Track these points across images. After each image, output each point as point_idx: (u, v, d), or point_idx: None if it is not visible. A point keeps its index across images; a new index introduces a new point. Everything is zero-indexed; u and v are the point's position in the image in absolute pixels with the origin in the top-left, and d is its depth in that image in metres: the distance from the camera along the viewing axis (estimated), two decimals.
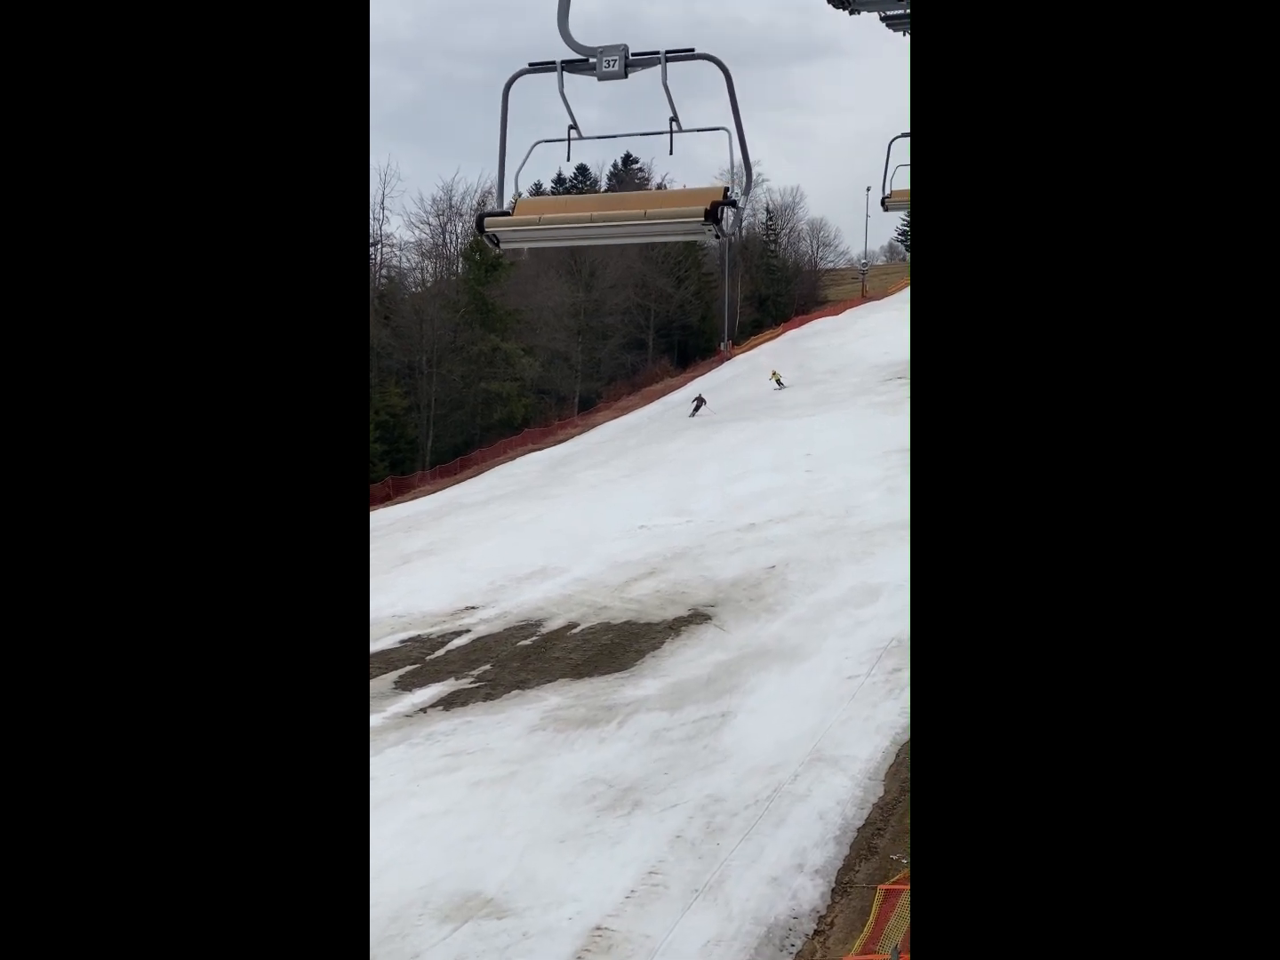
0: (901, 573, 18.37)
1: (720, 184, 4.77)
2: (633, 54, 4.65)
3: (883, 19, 10.16)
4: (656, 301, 64.77)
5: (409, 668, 20.49)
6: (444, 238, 59.21)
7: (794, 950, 11.41)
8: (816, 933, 11.67)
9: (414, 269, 59.54)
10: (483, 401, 52.74)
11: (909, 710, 13.76)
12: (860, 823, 13.58)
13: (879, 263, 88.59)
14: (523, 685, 19.09)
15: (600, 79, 4.68)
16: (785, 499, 29.59)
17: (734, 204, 4.68)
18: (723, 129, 4.77)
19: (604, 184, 75.06)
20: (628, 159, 75.62)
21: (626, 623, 21.78)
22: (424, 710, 18.37)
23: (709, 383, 54.27)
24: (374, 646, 20.99)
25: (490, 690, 19.01)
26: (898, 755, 15.00)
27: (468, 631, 22.36)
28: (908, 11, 9.75)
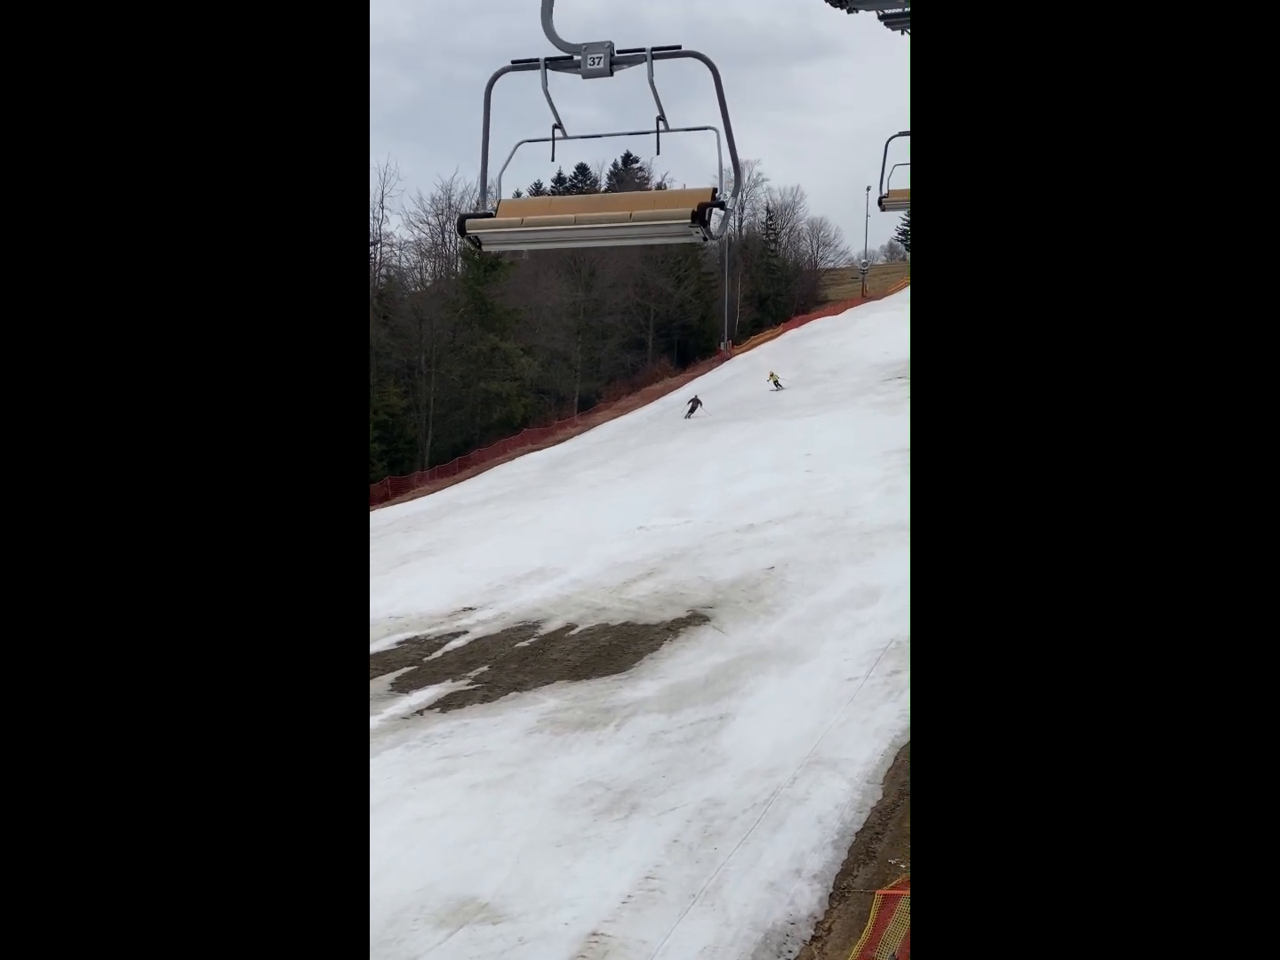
0: (900, 574, 18.45)
1: (708, 185, 4.66)
2: (618, 51, 4.56)
3: (880, 18, 10.09)
4: (656, 301, 64.68)
5: (406, 669, 20.40)
6: (443, 237, 59.12)
7: (791, 956, 11.34)
8: (814, 938, 11.60)
9: (413, 268, 59.52)
10: (482, 401, 52.65)
11: (908, 713, 13.74)
12: (859, 827, 13.51)
13: (879, 262, 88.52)
14: (520, 687, 19.01)
15: (585, 77, 4.58)
16: (785, 499, 29.51)
17: (722, 205, 4.58)
18: (711, 128, 4.67)
19: (604, 183, 74.99)
20: (627, 158, 75.58)
21: (625, 624, 21.70)
22: (421, 712, 18.29)
23: (709, 382, 54.23)
24: (371, 648, 20.93)
25: (487, 692, 18.93)
26: (896, 758, 14.93)
27: (465, 633, 22.27)
28: (905, 10, 9.68)
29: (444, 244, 58.66)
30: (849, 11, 10.22)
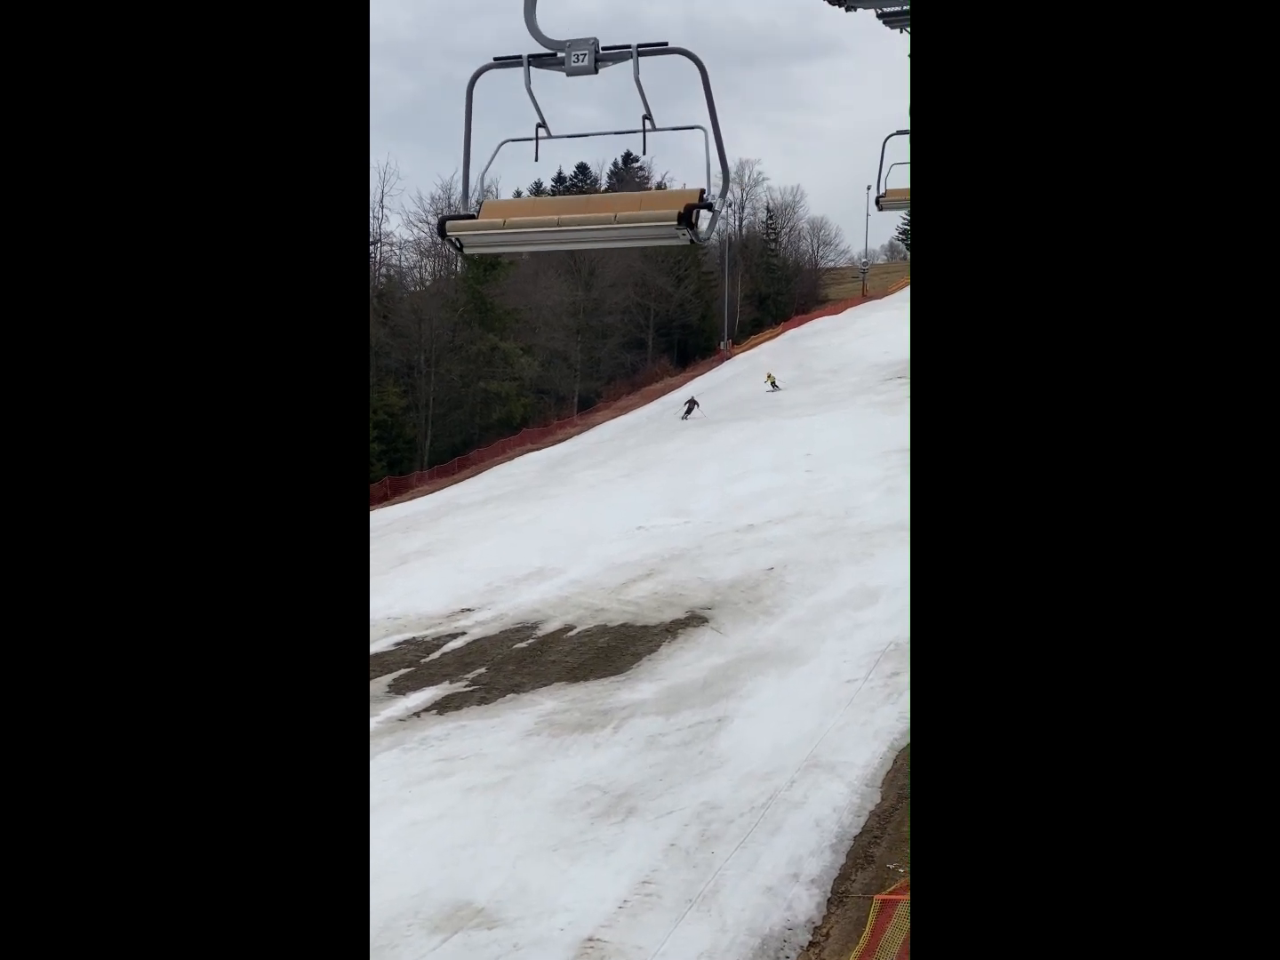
0: (899, 575, 18.37)
1: (698, 186, 4.55)
2: (603, 48, 4.45)
3: (879, 16, 10.02)
4: (656, 300, 64.58)
5: (403, 670, 20.31)
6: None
7: None
8: (811, 944, 11.50)
9: (413, 268, 59.37)
10: (481, 401, 52.55)
11: (908, 716, 13.65)
12: (857, 830, 13.42)
13: (879, 261, 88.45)
14: (518, 689, 18.92)
15: (569, 74, 4.47)
16: (784, 499, 29.43)
17: (709, 206, 4.47)
18: (699, 127, 4.56)
19: (604, 182, 74.86)
20: (628, 157, 75.36)
21: (623, 625, 21.61)
22: (418, 714, 18.20)
23: (709, 382, 54.16)
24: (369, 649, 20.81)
25: (485, 694, 18.84)
26: (895, 761, 14.84)
27: (463, 634, 22.18)
28: (904, 8, 9.60)
29: (444, 243, 58.35)
30: (847, 10, 10.15)
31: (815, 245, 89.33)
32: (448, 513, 35.11)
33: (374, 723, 17.56)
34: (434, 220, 56.24)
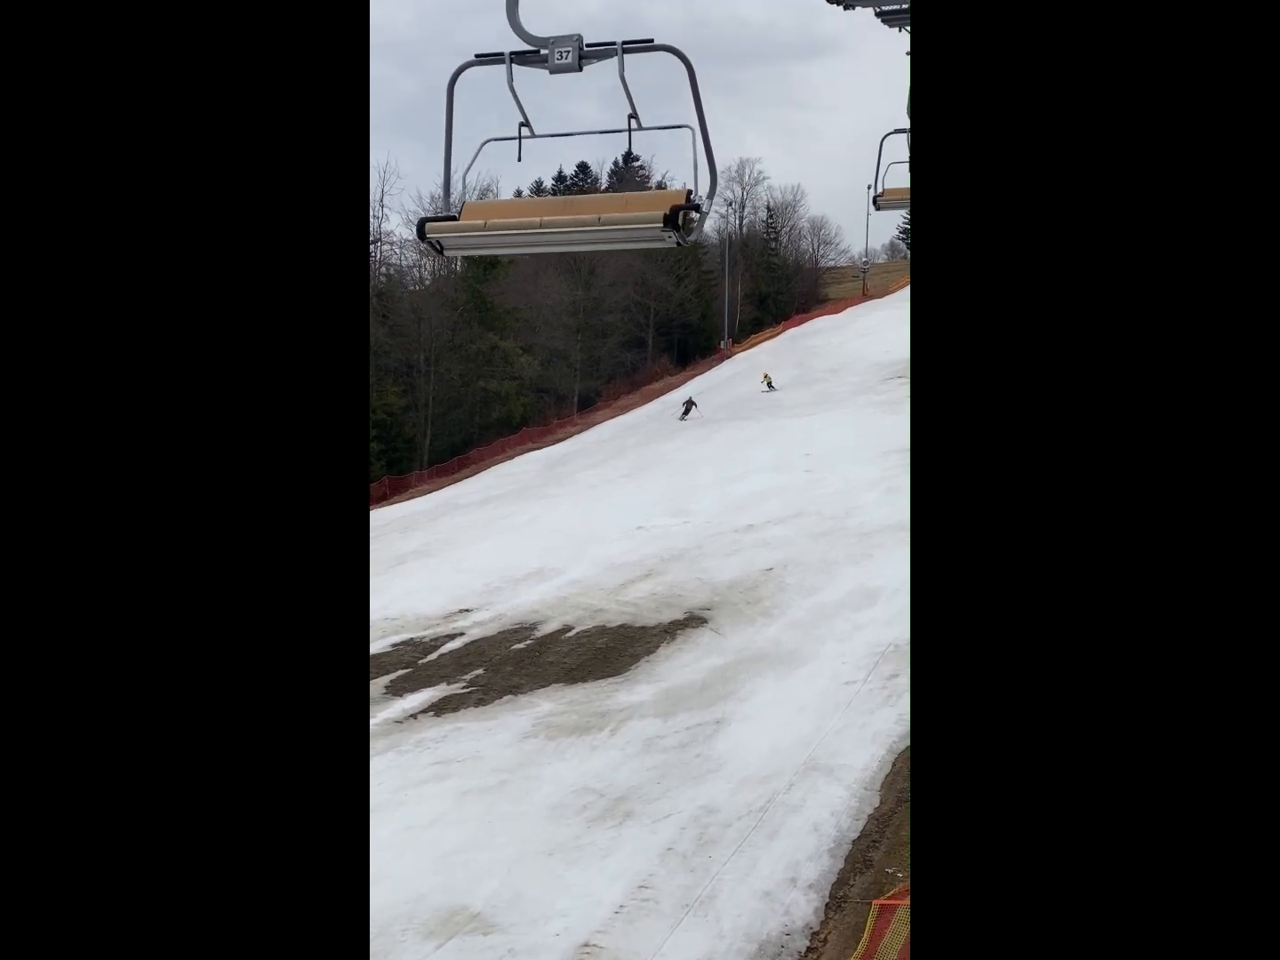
0: (899, 575, 18.28)
1: (683, 186, 4.44)
2: (587, 45, 4.34)
3: (878, 14, 9.92)
4: (656, 300, 64.47)
5: (401, 672, 20.23)
6: None
7: None
8: (809, 950, 11.42)
9: (413, 267, 59.22)
10: (481, 400, 52.44)
11: (906, 718, 13.51)
12: (855, 835, 13.33)
13: (880, 261, 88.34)
14: (515, 690, 18.83)
15: (552, 72, 4.36)
16: (784, 499, 29.34)
17: (696, 208, 4.36)
18: (686, 126, 4.44)
19: (604, 181, 74.74)
20: (628, 156, 75.18)
21: (622, 626, 21.52)
22: (414, 716, 18.11)
23: (709, 381, 54.09)
24: None
25: (482, 695, 18.75)
26: (894, 765, 14.75)
27: (461, 635, 22.10)
28: (903, 6, 9.51)
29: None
30: (846, 8, 10.07)
31: (816, 244, 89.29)
32: (446, 512, 35.01)
33: (371, 725, 17.48)
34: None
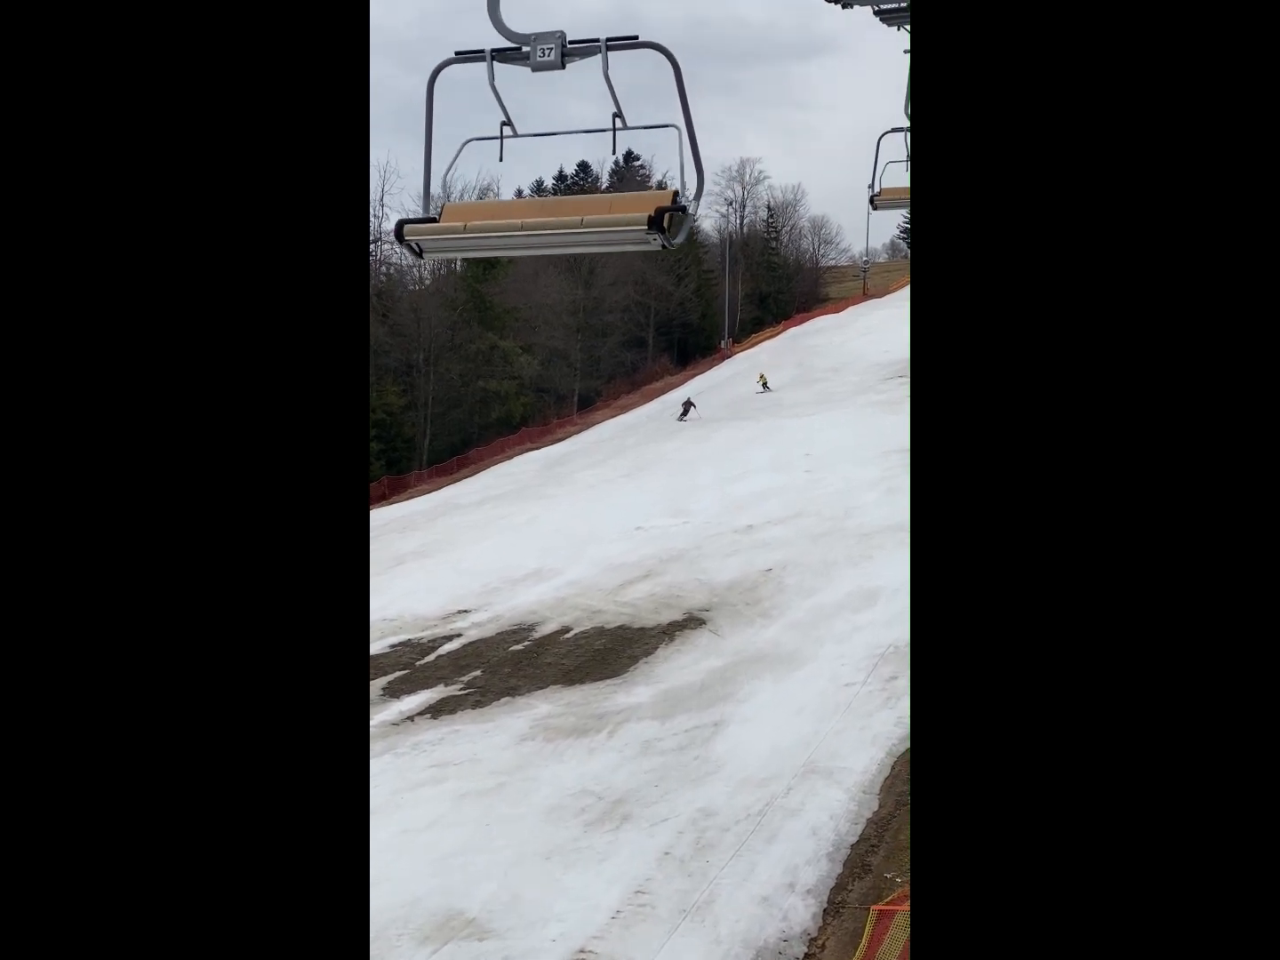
0: (898, 576, 18.21)
1: (669, 188, 4.33)
2: (570, 42, 4.23)
3: (876, 13, 9.85)
4: (656, 299, 64.37)
5: (398, 673, 20.14)
6: None
7: None
8: (807, 955, 11.33)
9: (412, 266, 59.10)
10: (480, 400, 52.34)
11: (906, 720, 13.42)
12: (854, 839, 13.24)
13: (881, 260, 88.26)
14: (513, 692, 18.74)
15: (535, 70, 4.26)
16: (784, 500, 29.25)
17: (683, 209, 4.25)
18: (672, 126, 4.34)
19: (605, 180, 74.62)
20: (629, 155, 75.12)
21: (620, 627, 21.44)
22: (411, 718, 18.02)
23: (709, 381, 54.04)
24: None
25: (480, 697, 18.67)
26: (893, 768, 14.67)
27: (459, 636, 22.01)
28: (901, 5, 9.44)
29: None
30: (844, 7, 10.00)
31: (816, 244, 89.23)
32: (445, 513, 34.92)
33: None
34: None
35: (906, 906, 11.21)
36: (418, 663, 20.68)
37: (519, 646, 21.03)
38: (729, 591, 22.73)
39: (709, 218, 79.70)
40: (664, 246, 4.26)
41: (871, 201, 8.70)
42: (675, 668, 19.11)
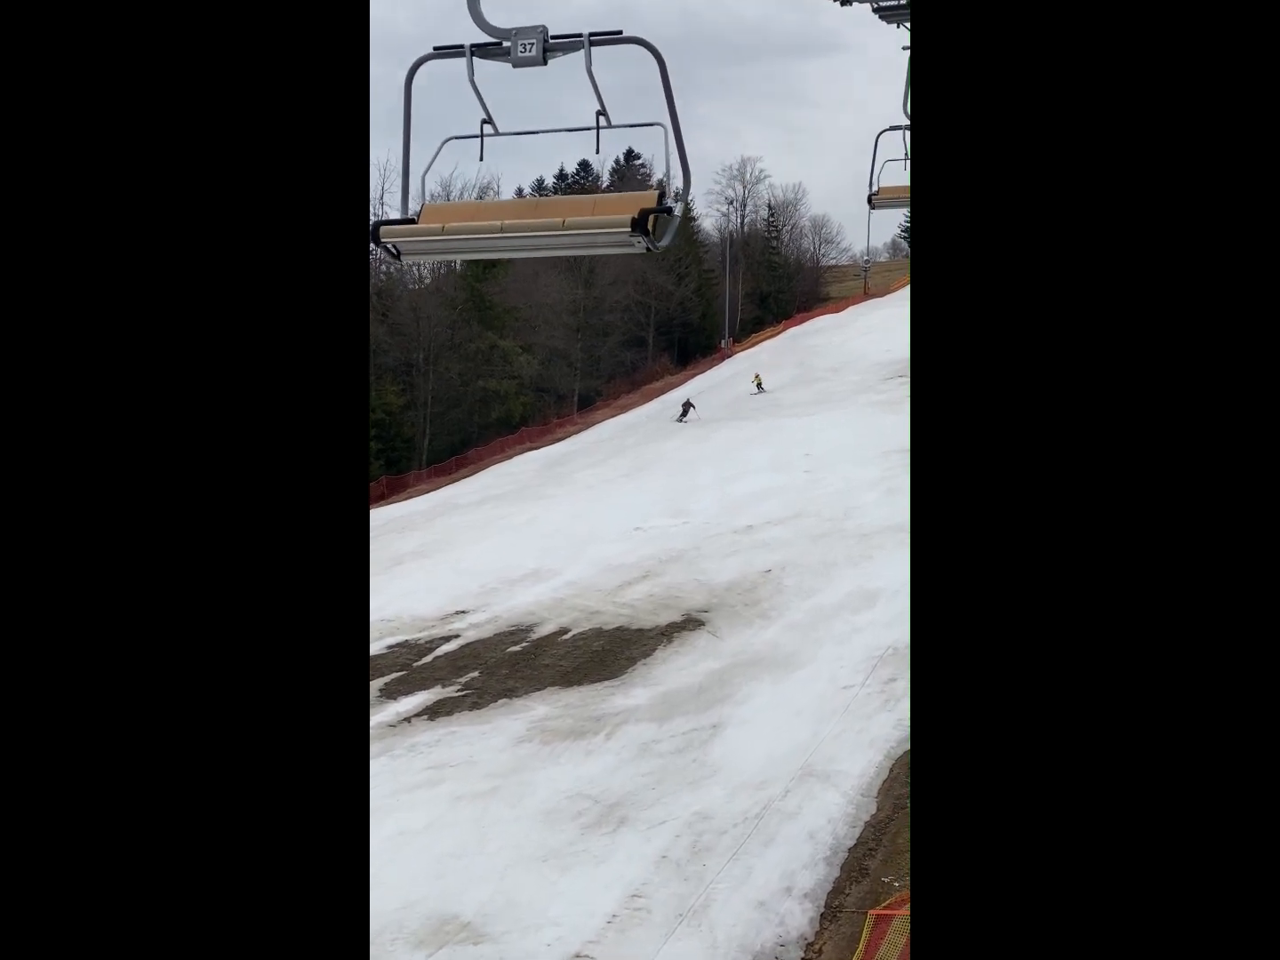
0: (898, 577, 18.12)
1: (654, 190, 4.22)
2: (552, 37, 4.14)
3: (875, 10, 9.77)
4: (657, 299, 64.25)
5: (395, 674, 20.07)
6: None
7: None
8: None
9: (412, 265, 59.04)
10: (480, 400, 52.24)
11: (904, 723, 13.34)
12: (851, 842, 13.16)
13: (881, 259, 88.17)
14: (510, 694, 18.67)
15: (515, 65, 4.16)
16: (783, 500, 29.17)
17: (668, 211, 4.15)
18: (657, 124, 4.24)
19: (605, 179, 74.52)
20: (629, 154, 75.00)
21: (618, 628, 21.36)
22: (408, 720, 17.95)
23: (709, 380, 53.96)
24: None
25: (477, 699, 18.59)
26: (891, 771, 14.60)
27: (457, 636, 21.94)
28: (901, 1, 9.36)
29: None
30: (843, 4, 9.93)
31: (817, 243, 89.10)
32: (444, 513, 34.84)
33: None
34: None
35: (904, 911, 11.14)
36: (415, 664, 20.61)
37: (517, 648, 20.96)
38: (728, 592, 22.65)
39: (709, 217, 79.74)
40: (649, 249, 4.16)
41: (869, 200, 8.59)
42: (673, 669, 19.04)
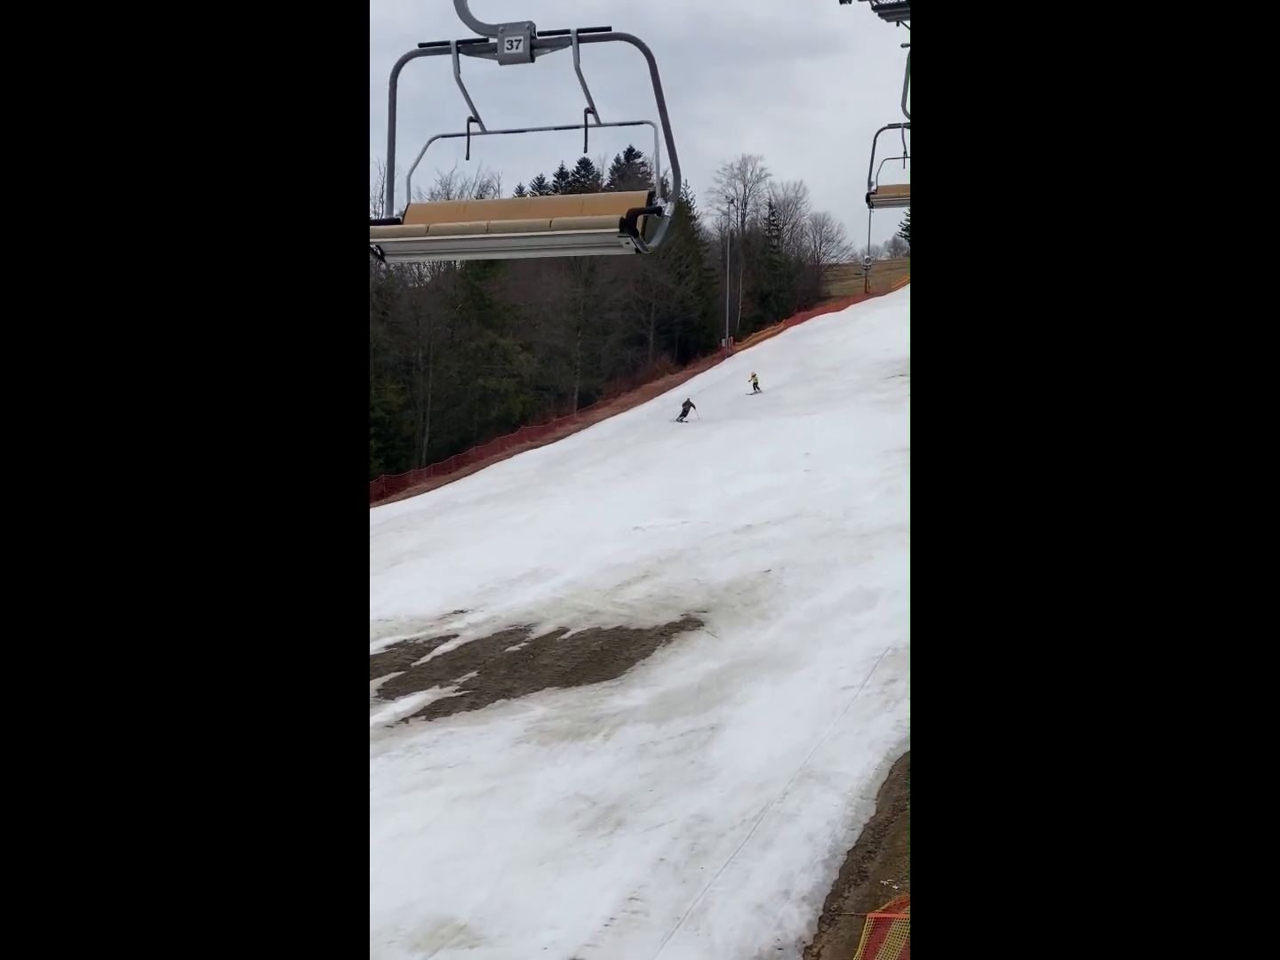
0: (898, 577, 18.05)
1: (644, 190, 4.13)
2: (540, 33, 4.05)
3: (874, 8, 9.71)
4: (657, 297, 64.18)
5: (393, 674, 19.99)
6: None
7: None
8: None
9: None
10: (480, 398, 52.17)
11: (904, 724, 13.25)
12: (850, 845, 13.08)
13: (882, 258, 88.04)
14: (508, 694, 18.59)
15: (502, 62, 4.07)
16: (783, 499, 29.08)
17: (658, 211, 4.06)
18: (647, 123, 4.15)
19: (606, 178, 74.41)
20: (630, 153, 74.86)
21: (617, 629, 21.28)
22: (406, 720, 17.87)
23: (710, 379, 53.86)
24: None
25: (475, 699, 18.51)
26: (890, 772, 14.52)
27: (455, 636, 21.86)
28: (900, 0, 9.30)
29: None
30: (842, 2, 9.87)
31: (818, 241, 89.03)
32: (444, 512, 34.75)
33: None
34: None
35: (903, 914, 11.07)
36: (413, 664, 20.53)
37: (515, 648, 20.88)
38: (727, 592, 22.57)
39: (710, 215, 79.62)
40: (638, 250, 4.07)
41: (868, 199, 8.52)
42: (672, 670, 18.96)
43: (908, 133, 8.82)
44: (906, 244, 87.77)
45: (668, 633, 20.72)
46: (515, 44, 4.03)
